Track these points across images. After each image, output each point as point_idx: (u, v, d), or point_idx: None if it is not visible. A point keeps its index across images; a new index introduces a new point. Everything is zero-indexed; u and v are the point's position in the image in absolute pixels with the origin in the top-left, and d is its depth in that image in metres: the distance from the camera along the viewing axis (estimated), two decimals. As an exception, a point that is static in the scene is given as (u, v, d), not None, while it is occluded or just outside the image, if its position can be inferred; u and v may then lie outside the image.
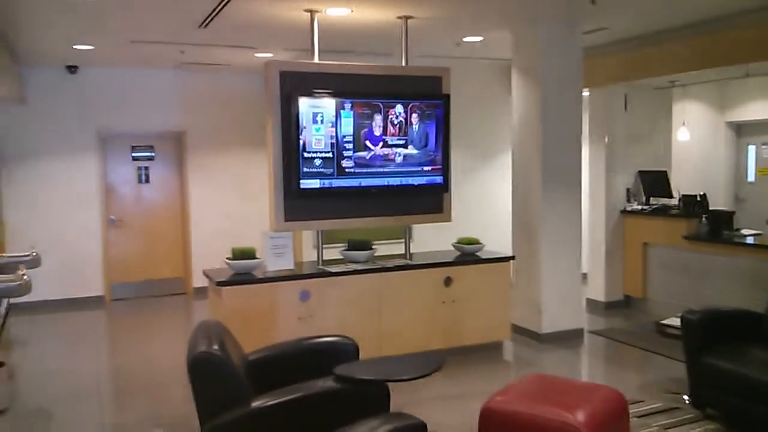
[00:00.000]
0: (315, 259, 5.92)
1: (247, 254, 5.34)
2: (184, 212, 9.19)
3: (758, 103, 9.63)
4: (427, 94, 5.83)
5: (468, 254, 6.16)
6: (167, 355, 6.41)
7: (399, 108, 5.62)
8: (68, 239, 8.53)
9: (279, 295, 5.21)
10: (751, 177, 10.43)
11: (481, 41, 7.19)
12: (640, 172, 8.01)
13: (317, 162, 5.37)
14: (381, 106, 5.55)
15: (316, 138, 5.34)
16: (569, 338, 6.52)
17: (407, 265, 5.71)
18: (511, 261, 6.17)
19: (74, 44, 6.99)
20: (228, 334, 3.64)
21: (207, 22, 5.98)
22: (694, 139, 9.29)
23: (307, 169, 5.34)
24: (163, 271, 9.17)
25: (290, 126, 5.30)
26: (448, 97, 5.85)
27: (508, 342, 6.25)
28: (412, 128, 5.70)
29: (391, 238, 7.91)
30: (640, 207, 7.78)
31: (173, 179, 9.21)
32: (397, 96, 5.63)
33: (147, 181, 9.07)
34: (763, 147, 10.25)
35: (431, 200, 6.02)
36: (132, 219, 9.01)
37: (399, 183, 5.71)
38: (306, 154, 5.31)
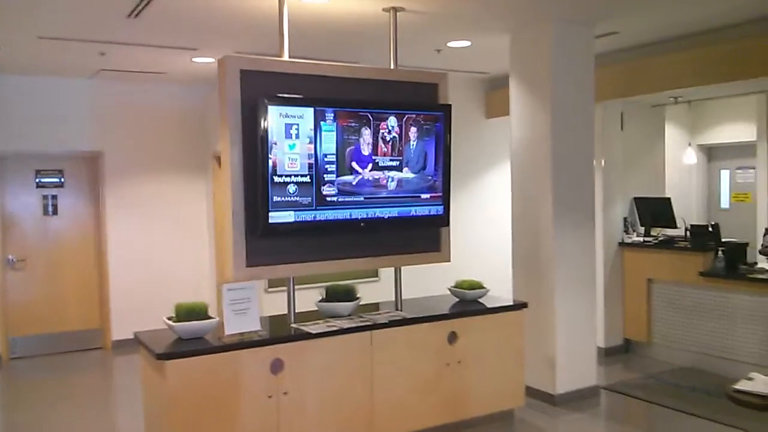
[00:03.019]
0: (281, 312, 4.63)
1: (197, 313, 3.99)
2: (100, 251, 7.64)
3: (729, 125, 9.02)
4: (423, 103, 4.68)
5: (469, 301, 5.01)
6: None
7: (392, 121, 4.44)
8: (-48, 286, 6.87)
9: (243, 367, 3.88)
10: (725, 203, 9.83)
11: (467, 47, 6.12)
12: (635, 199, 7.12)
13: (291, 188, 4.09)
14: (370, 117, 4.35)
15: (289, 157, 4.08)
16: (585, 398, 5.46)
17: (404, 319, 4.48)
18: (524, 309, 5.03)
19: (-40, 40, 5.48)
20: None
21: (138, 10, 4.65)
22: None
23: (279, 198, 4.05)
24: (75, 321, 7.56)
25: (255, 142, 4.01)
26: (449, 107, 4.71)
27: (521, 408, 5.09)
28: (409, 146, 4.52)
29: (357, 278, 6.69)
30: (641, 239, 6.86)
31: (87, 210, 7.66)
32: (388, 105, 4.45)
33: (55, 212, 7.49)
34: (738, 171, 9.67)
35: (427, 236, 4.85)
36: (36, 259, 7.39)
37: (393, 215, 4.50)
38: (277, 179, 4.03)
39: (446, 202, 4.73)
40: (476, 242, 8.00)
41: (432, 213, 4.67)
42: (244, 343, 3.90)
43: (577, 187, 5.42)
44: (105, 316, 7.62)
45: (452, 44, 5.99)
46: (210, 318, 4.00)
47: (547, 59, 5.28)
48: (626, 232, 7.00)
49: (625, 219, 7.04)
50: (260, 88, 4.07)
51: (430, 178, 4.63)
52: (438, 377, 4.56)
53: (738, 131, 8.86)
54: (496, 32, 5.56)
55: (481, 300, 5.04)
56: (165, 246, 7.82)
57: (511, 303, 5.02)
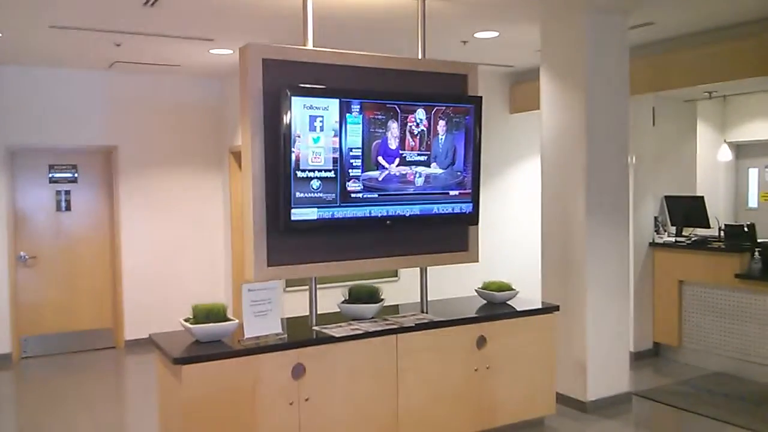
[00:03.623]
0: (300, 313, 4.43)
1: (216, 314, 3.79)
2: (114, 248, 7.47)
3: (759, 122, 8.69)
4: (451, 96, 4.46)
5: (498, 303, 4.79)
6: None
7: (420, 113, 4.22)
8: (-37, 283, 6.73)
9: (263, 372, 3.67)
10: (753, 203, 9.52)
11: (494, 38, 5.89)
12: (666, 197, 6.86)
13: (315, 184, 3.89)
14: (398, 110, 4.13)
15: (313, 151, 3.87)
16: (617, 405, 5.23)
17: (431, 322, 4.26)
18: (556, 312, 4.79)
19: (-29, 29, 5.31)
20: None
21: (155, -3, 4.46)
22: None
23: (301, 194, 3.85)
24: (87, 320, 7.40)
25: (278, 135, 3.81)
26: (479, 100, 4.49)
27: (551, 416, 4.86)
28: (437, 140, 4.30)
29: (376, 278, 6.49)
30: (673, 239, 6.60)
31: (101, 207, 7.49)
32: (417, 97, 4.23)
33: (68, 208, 7.33)
34: (768, 170, 9.37)
35: (454, 234, 4.62)
36: (48, 256, 7.23)
37: (420, 212, 4.29)
38: (300, 173, 3.83)
39: (476, 200, 4.51)
40: (499, 241, 7.76)
41: (461, 211, 4.45)
42: (264, 347, 3.70)
43: (612, 184, 5.18)
44: (118, 315, 7.46)
45: (479, 35, 5.77)
46: (229, 320, 3.80)
47: (581, 50, 5.04)
48: (657, 231, 6.74)
49: (655, 218, 6.78)
50: (283, 78, 3.86)
51: (459, 173, 4.41)
52: (466, 384, 4.34)
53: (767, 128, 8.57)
54: (526, 21, 5.33)
55: (510, 302, 4.81)
56: (180, 243, 7.65)
57: (543, 306, 4.79)
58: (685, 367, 6.34)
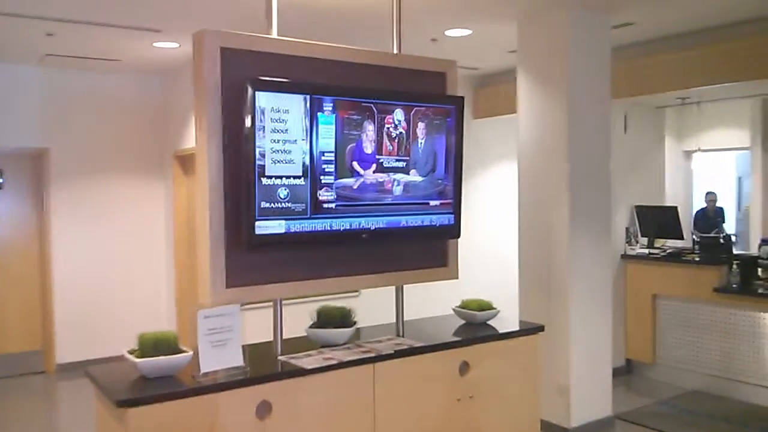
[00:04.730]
0: (261, 336, 3.91)
1: (166, 345, 3.24)
2: (44, 262, 6.76)
3: (725, 130, 8.60)
4: (430, 95, 4.03)
5: (478, 324, 4.37)
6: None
7: (399, 114, 3.77)
8: None
9: (223, 412, 3.14)
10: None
11: (465, 37, 5.52)
12: (637, 207, 6.61)
13: (282, 193, 3.39)
14: (374, 109, 3.68)
15: (280, 155, 3.37)
16: (600, 430, 4.89)
17: (411, 348, 3.81)
18: (540, 333, 4.41)
19: None
20: None
21: (93, -22, 3.89)
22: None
23: (267, 204, 3.34)
24: (13, 342, 6.68)
25: (238, 136, 3.30)
26: (461, 100, 4.08)
27: (535, 446, 4.47)
28: (417, 145, 3.86)
29: (335, 294, 5.98)
30: (646, 251, 6.35)
31: (29, 216, 6.78)
32: (395, 96, 3.79)
33: (-9, 217, 6.61)
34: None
35: (433, 249, 4.19)
36: (-32, 271, 6.49)
37: (398, 225, 3.84)
38: (265, 180, 3.32)
39: (457, 211, 4.09)
40: (465, 254, 7.36)
41: (442, 223, 4.02)
42: (224, 383, 3.16)
43: (594, 193, 4.88)
44: (48, 336, 6.74)
45: (451, 33, 5.39)
46: (181, 351, 3.25)
47: (562, 50, 4.71)
48: (629, 243, 6.49)
49: (627, 229, 6.52)
50: (245, 70, 3.36)
51: (440, 181, 3.98)
52: (448, 415, 3.89)
53: (734, 137, 8.46)
54: (503, 18, 4.98)
55: (490, 323, 4.40)
56: (117, 257, 6.99)
57: (528, 326, 4.39)
58: (660, 384, 6.09)
